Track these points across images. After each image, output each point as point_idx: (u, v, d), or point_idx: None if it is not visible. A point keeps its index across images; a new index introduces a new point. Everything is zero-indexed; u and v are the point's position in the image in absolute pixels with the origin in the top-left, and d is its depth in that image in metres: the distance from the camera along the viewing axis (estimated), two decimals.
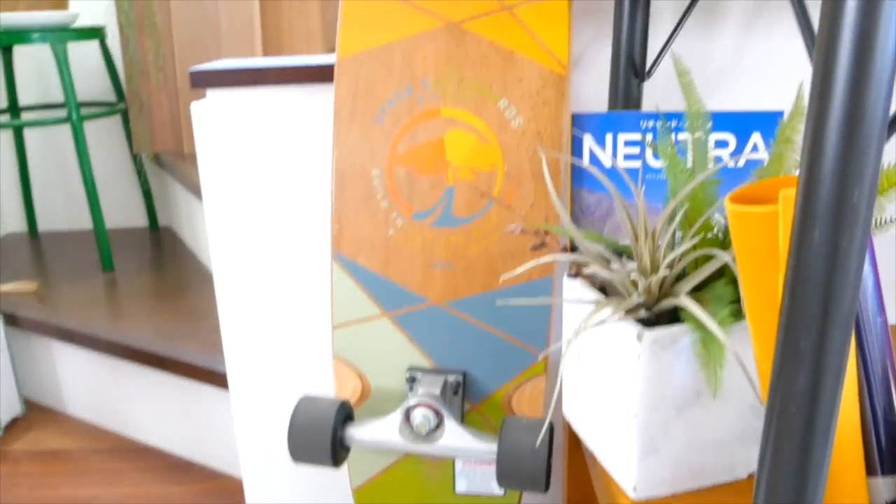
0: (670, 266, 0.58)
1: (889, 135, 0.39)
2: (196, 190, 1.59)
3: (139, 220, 2.18)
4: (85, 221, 2.14)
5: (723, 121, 0.80)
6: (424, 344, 0.83)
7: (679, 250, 0.57)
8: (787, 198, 0.42)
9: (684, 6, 0.92)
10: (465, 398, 0.82)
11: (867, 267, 0.53)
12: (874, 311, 0.53)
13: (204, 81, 0.95)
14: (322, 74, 0.94)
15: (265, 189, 0.98)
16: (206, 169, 0.98)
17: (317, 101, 0.95)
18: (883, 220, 0.60)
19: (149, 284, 1.67)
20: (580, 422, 0.69)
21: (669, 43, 0.86)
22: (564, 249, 0.74)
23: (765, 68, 0.99)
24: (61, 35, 1.72)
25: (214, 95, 0.96)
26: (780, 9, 0.96)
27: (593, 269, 0.59)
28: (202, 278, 1.67)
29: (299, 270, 1.00)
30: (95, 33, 1.83)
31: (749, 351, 0.58)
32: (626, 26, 0.84)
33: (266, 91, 0.95)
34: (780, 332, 0.43)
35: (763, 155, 0.81)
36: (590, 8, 0.98)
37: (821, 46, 0.39)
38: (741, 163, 0.80)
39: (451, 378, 0.81)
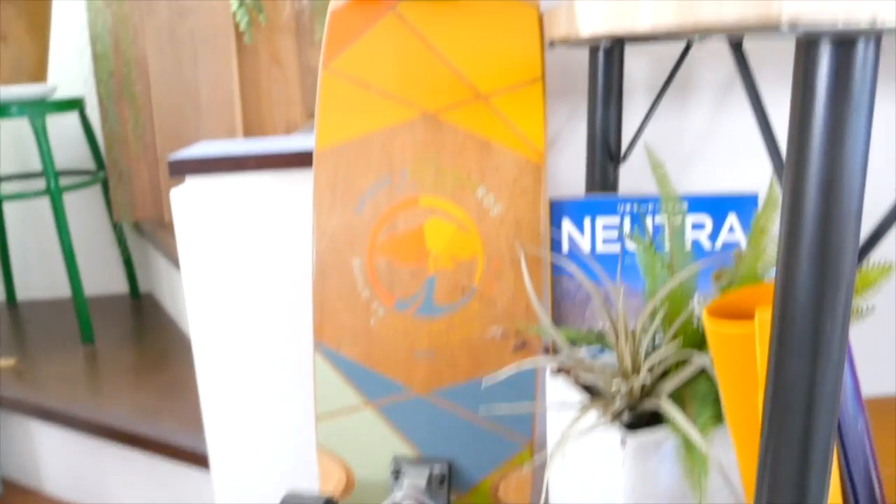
0: (651, 368, 0.58)
1: (859, 263, 0.40)
2: (177, 259, 1.58)
3: (120, 287, 2.16)
4: (65, 289, 2.12)
5: (699, 203, 0.81)
6: (409, 433, 0.82)
7: (658, 355, 0.57)
8: (764, 321, 0.43)
9: (657, 88, 0.94)
10: (452, 489, 0.81)
11: (846, 371, 0.53)
12: (854, 413, 0.53)
13: (183, 169, 0.96)
14: (300, 160, 0.94)
15: (246, 274, 0.97)
16: (185, 254, 0.97)
17: (296, 186, 0.95)
18: (861, 310, 0.61)
19: (130, 357, 1.65)
20: None
21: (643, 127, 0.87)
22: (546, 349, 0.74)
23: (737, 143, 1.01)
24: (40, 108, 1.72)
25: (193, 181, 0.96)
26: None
27: (575, 370, 0.59)
28: (184, 348, 1.65)
29: (281, 357, 0.99)
30: (74, 104, 1.83)
31: (733, 453, 0.58)
32: (601, 113, 0.85)
33: (245, 177, 0.95)
34: (760, 456, 0.43)
35: (739, 236, 0.82)
36: (564, 88, 1.00)
37: (789, 178, 0.39)
38: (718, 245, 0.81)
39: (437, 469, 0.80)
